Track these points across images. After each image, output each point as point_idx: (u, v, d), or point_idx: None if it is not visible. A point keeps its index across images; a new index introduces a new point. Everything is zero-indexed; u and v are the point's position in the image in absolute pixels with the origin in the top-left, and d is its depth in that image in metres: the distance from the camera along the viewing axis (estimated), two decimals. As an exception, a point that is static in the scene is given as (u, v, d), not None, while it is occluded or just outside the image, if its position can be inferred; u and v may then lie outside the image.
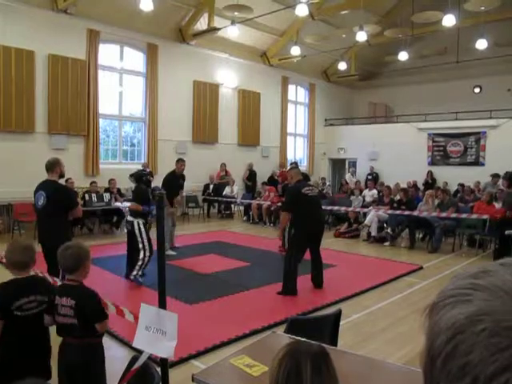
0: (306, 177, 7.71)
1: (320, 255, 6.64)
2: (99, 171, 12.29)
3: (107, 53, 12.84)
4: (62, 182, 5.89)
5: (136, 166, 12.77)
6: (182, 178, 9.24)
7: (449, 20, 11.97)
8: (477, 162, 15.61)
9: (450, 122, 16.15)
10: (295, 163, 11.03)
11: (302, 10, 11.74)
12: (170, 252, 8.35)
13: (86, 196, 10.55)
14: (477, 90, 17.72)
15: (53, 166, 5.30)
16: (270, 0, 13.48)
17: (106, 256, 8.13)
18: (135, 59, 13.60)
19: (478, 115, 15.40)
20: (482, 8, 12.44)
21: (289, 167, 10.03)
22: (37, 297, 2.84)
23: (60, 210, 5.21)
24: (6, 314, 2.72)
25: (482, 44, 13.77)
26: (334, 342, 3.09)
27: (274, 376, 1.44)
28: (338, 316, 3.22)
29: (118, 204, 11.07)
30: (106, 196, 10.84)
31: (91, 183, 11.25)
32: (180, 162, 9.16)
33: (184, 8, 13.44)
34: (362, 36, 13.46)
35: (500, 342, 0.40)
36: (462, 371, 0.41)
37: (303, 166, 18.17)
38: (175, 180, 8.95)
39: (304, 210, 6.32)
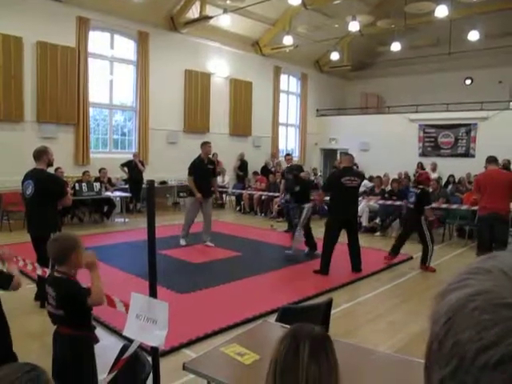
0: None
1: (356, 240, 7.07)
2: (89, 160, 12.18)
3: (97, 40, 12.68)
4: (50, 170, 5.83)
5: (127, 156, 12.73)
6: (211, 162, 8.76)
7: (441, 11, 11.98)
8: (467, 154, 15.69)
9: (441, 113, 16.20)
10: (288, 154, 11.08)
11: (294, -1, 11.67)
12: (208, 243, 8.62)
13: (77, 185, 10.44)
14: (468, 81, 17.77)
15: (40, 154, 5.24)
16: (262, -12, 13.37)
17: (96, 246, 8.08)
18: (126, 47, 13.44)
19: (469, 107, 15.44)
20: (473, 0, 12.44)
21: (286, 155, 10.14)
22: None
23: (49, 199, 5.16)
24: None
25: (473, 35, 13.81)
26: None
27: (274, 354, 1.46)
28: (328, 305, 3.22)
29: (108, 193, 11.02)
30: (97, 185, 10.74)
31: (84, 173, 11.13)
32: (206, 144, 8.57)
33: (175, -4, 13.31)
34: (354, 26, 13.44)
35: (488, 320, 0.39)
36: (451, 352, 0.41)
37: (295, 157, 18.16)
38: (202, 165, 8.46)
39: (338, 197, 6.86)
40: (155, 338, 2.30)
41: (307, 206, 7.92)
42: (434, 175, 14.30)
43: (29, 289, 5.35)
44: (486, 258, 0.47)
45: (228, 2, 13.18)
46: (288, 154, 10.98)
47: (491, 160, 6.92)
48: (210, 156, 9.01)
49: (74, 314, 2.71)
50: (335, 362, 1.46)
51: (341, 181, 6.84)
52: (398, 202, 10.19)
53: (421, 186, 7.47)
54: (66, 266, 2.75)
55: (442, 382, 0.41)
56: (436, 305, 0.46)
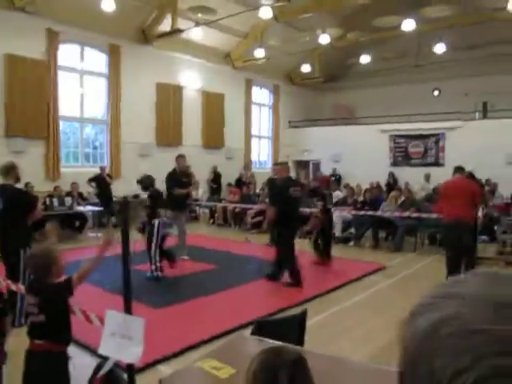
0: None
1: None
2: (60, 175, 12.00)
3: (67, 53, 12.56)
4: (20, 185, 5.76)
5: (98, 170, 12.56)
6: (186, 175, 8.63)
7: (408, 24, 12.30)
8: (437, 163, 16.05)
9: (410, 123, 16.56)
10: (276, 164, 10.87)
11: (265, 13, 11.82)
12: (184, 257, 8.44)
13: (48, 200, 10.25)
14: (436, 92, 18.24)
15: (8, 170, 5.24)
16: (233, 2, 13.49)
17: (70, 261, 7.93)
18: (97, 60, 13.36)
19: (438, 117, 15.85)
20: (439, 14, 12.83)
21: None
22: None
23: (18, 214, 5.12)
24: None
25: (440, 48, 14.22)
26: (300, 343, 3.12)
27: None
28: (303, 316, 3.25)
29: (80, 208, 10.86)
30: (68, 200, 10.58)
31: (55, 188, 10.95)
32: (181, 158, 8.53)
33: (147, 9, 13.31)
34: (325, 39, 13.69)
35: (460, 345, 0.40)
36: (426, 377, 0.42)
37: (266, 168, 18.24)
38: (177, 178, 8.38)
39: (288, 209, 6.70)
40: (131, 354, 2.29)
41: (156, 221, 7.21)
42: (428, 185, 14.18)
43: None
44: (452, 282, 0.48)
45: (199, 15, 13.25)
46: (276, 164, 10.18)
47: (457, 169, 7.13)
48: (185, 169, 8.92)
49: (55, 317, 2.73)
50: (312, 382, 1.45)
51: (289, 192, 6.73)
52: (370, 212, 10.34)
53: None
54: (47, 278, 2.79)
55: None
56: (405, 329, 0.47)
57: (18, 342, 2.88)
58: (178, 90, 15.05)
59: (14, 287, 4.39)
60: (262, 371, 1.40)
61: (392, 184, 15.54)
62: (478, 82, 16.28)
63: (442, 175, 13.77)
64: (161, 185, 8.72)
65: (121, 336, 2.31)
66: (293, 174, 19.20)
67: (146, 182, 7.62)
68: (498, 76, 15.69)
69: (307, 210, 9.76)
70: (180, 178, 8.47)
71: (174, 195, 8.28)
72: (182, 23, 13.29)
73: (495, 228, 10.21)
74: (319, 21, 14.50)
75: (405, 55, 17.00)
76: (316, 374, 2.33)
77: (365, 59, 15.76)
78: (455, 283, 0.47)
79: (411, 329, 0.46)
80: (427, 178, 14.76)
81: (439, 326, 0.43)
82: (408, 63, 16.34)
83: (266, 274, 7.07)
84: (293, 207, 6.84)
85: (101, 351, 2.41)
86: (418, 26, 12.75)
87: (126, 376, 2.57)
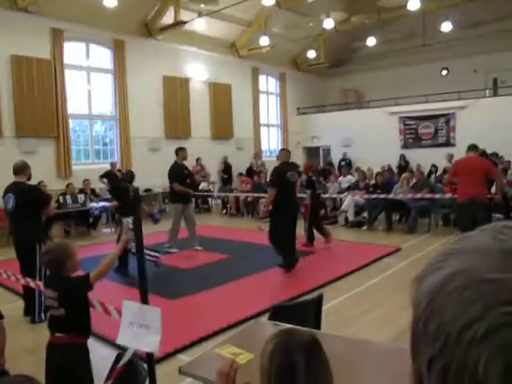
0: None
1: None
2: (72, 172, 12.09)
3: (73, 51, 12.58)
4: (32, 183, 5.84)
5: (109, 166, 12.62)
6: (186, 168, 8.75)
7: (413, 4, 12.14)
8: (448, 143, 15.88)
9: (420, 104, 16.37)
10: (285, 149, 10.82)
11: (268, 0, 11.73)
12: (197, 247, 8.59)
13: (61, 198, 10.35)
14: (444, 72, 18.00)
15: (22, 168, 5.35)
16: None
17: (84, 258, 8.00)
18: (102, 56, 13.37)
19: (447, 97, 15.66)
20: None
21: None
22: None
23: (31, 210, 5.20)
24: None
25: (446, 26, 14.02)
26: (317, 327, 3.12)
27: (265, 371, 1.40)
28: (319, 300, 3.25)
29: (93, 204, 10.94)
30: (81, 197, 10.67)
31: (67, 185, 11.05)
32: (182, 150, 8.54)
33: (149, 2, 13.27)
34: (329, 23, 13.56)
35: (469, 297, 0.40)
36: (436, 332, 0.42)
37: (272, 155, 18.18)
38: (180, 170, 8.47)
39: (285, 192, 6.81)
40: (149, 343, 2.31)
41: (125, 220, 6.43)
42: (449, 165, 13.86)
43: (16, 306, 5.31)
44: (458, 239, 0.48)
45: (202, 5, 13.18)
46: (282, 149, 9.93)
47: (471, 148, 7.06)
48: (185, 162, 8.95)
49: (74, 311, 2.76)
50: (328, 367, 1.45)
51: (286, 176, 6.91)
52: (382, 195, 10.28)
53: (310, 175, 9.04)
54: (63, 273, 2.83)
55: (431, 362, 0.42)
56: (415, 289, 0.47)
57: (37, 337, 2.91)
58: (184, 82, 15.03)
59: (32, 284, 4.45)
60: (279, 353, 1.40)
61: (403, 166, 15.42)
62: (487, 59, 16.04)
63: (454, 155, 13.66)
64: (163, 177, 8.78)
65: (138, 325, 2.33)
66: (301, 161, 19.16)
67: (124, 177, 7.52)
68: (506, 52, 15.44)
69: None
70: (183, 170, 8.56)
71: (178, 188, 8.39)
72: (184, 15, 13.24)
73: (511, 205, 10.09)
74: (323, 5, 14.34)
75: (411, 36, 16.77)
76: (334, 356, 2.33)
77: (371, 42, 15.60)
78: (464, 239, 0.47)
79: (422, 288, 0.46)
80: (450, 158, 14.49)
81: (448, 281, 0.42)
82: (415, 43, 16.12)
83: (278, 264, 7.09)
84: (289, 191, 6.93)
85: (119, 341, 2.43)
86: (423, 5, 12.57)
87: (145, 366, 2.59)
